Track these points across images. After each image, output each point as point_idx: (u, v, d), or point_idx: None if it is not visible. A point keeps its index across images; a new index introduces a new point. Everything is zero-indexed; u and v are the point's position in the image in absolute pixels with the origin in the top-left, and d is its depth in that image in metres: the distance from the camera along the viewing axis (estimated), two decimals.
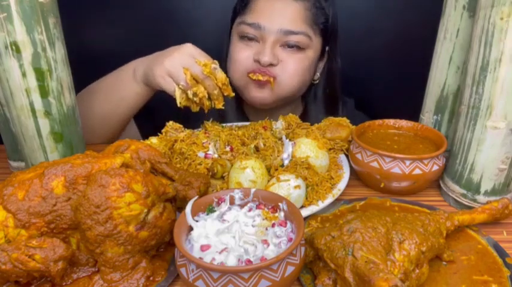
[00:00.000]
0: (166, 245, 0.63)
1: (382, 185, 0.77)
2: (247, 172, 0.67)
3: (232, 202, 0.59)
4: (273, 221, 0.55)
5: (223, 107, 0.81)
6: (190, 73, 0.76)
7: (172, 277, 0.58)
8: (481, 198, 0.71)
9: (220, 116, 1.07)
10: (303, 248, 0.52)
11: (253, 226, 0.54)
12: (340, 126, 0.87)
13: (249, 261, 0.49)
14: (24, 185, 0.54)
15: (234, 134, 0.81)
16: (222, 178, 0.73)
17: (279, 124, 0.87)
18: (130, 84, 0.89)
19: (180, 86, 0.77)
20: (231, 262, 0.49)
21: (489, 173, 0.69)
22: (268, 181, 0.69)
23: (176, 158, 0.75)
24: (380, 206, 0.73)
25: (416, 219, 0.59)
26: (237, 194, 0.59)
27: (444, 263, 0.59)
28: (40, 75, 0.64)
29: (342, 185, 0.75)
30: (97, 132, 0.94)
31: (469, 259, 0.60)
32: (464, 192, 0.72)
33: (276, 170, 0.71)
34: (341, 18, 1.07)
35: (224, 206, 0.58)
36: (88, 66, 1.01)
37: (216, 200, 0.59)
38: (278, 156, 0.75)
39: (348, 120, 0.90)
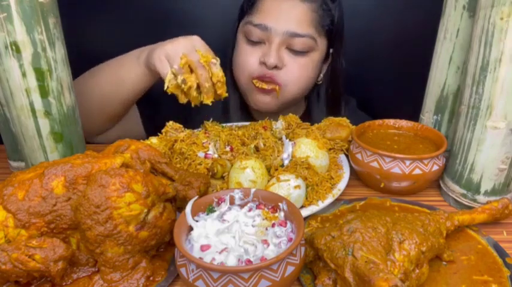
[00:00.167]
0: (166, 245, 0.63)
1: (382, 185, 0.77)
2: (247, 172, 0.67)
3: (232, 202, 0.59)
4: (273, 221, 0.55)
5: (210, 103, 0.78)
6: (187, 59, 0.75)
7: (172, 277, 0.58)
8: (481, 198, 0.71)
9: (224, 115, 1.08)
10: (303, 248, 0.52)
11: (253, 226, 0.54)
12: (340, 126, 0.87)
13: (249, 261, 0.49)
14: (24, 185, 0.54)
15: (234, 134, 0.81)
16: (222, 178, 0.73)
17: (279, 124, 0.87)
18: (133, 66, 0.88)
19: (173, 70, 0.75)
20: (231, 262, 0.49)
21: (489, 173, 0.69)
22: (268, 181, 0.69)
23: (176, 158, 0.75)
24: (380, 206, 0.73)
25: (416, 219, 0.59)
26: (237, 194, 0.59)
27: (444, 263, 0.59)
28: (40, 75, 0.64)
29: (342, 185, 0.75)
30: (95, 116, 0.93)
31: (469, 259, 0.60)
32: (464, 192, 0.72)
33: (276, 170, 0.71)
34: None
35: (224, 206, 0.58)
36: (88, 66, 1.01)
37: (216, 200, 0.59)
38: (278, 156, 0.75)
39: (347, 120, 0.90)
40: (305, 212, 0.68)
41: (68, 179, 0.54)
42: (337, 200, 0.73)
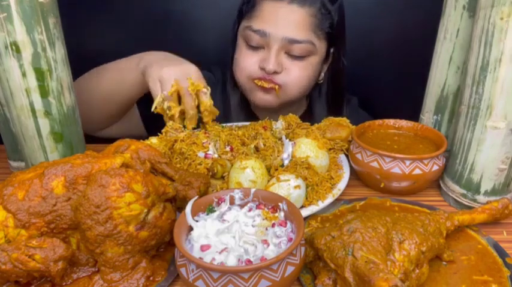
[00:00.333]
0: (166, 245, 0.63)
1: (382, 185, 0.77)
2: (247, 172, 0.67)
3: (232, 202, 0.59)
4: (273, 221, 0.55)
5: (190, 129, 0.82)
6: (177, 87, 0.78)
7: (172, 277, 0.58)
8: (481, 198, 0.71)
9: (224, 114, 1.08)
10: (303, 248, 0.52)
11: (253, 226, 0.54)
12: (340, 126, 0.87)
13: (249, 261, 0.49)
14: (24, 185, 0.54)
15: (234, 134, 0.81)
16: (222, 178, 0.73)
17: (279, 124, 0.87)
18: (133, 71, 0.90)
19: (162, 95, 0.80)
20: (231, 262, 0.49)
21: (489, 173, 0.69)
22: (268, 181, 0.69)
23: (176, 158, 0.75)
24: (380, 206, 0.73)
25: (416, 219, 0.59)
26: (237, 194, 0.59)
27: (444, 263, 0.59)
28: (40, 75, 0.64)
29: (342, 185, 0.75)
30: (95, 115, 0.97)
31: (469, 259, 0.60)
32: (464, 192, 0.72)
33: (276, 170, 0.71)
34: None
35: (224, 206, 0.58)
36: (88, 66, 1.01)
37: (216, 200, 0.59)
38: (278, 156, 0.75)
39: (347, 121, 0.90)
40: (305, 212, 0.67)
41: (68, 179, 0.54)
42: (337, 200, 0.73)
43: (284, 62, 0.97)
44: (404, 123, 0.86)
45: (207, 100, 0.80)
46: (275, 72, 0.96)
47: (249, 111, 1.12)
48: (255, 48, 0.98)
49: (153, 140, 0.79)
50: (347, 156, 0.84)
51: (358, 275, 0.49)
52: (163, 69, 0.80)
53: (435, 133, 0.81)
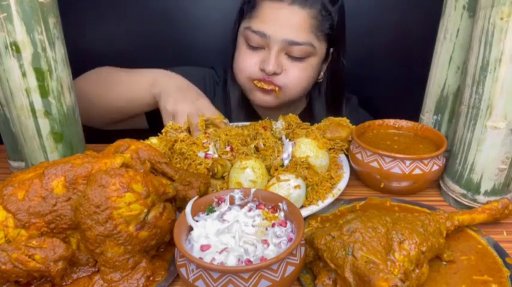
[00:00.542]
0: (166, 245, 0.63)
1: (382, 185, 0.77)
2: (247, 172, 0.67)
3: (232, 202, 0.59)
4: (273, 221, 0.55)
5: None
6: (188, 123, 0.83)
7: (172, 277, 0.58)
8: (481, 198, 0.71)
9: (226, 113, 1.08)
10: (303, 248, 0.52)
11: (253, 226, 0.54)
12: (340, 126, 0.87)
13: (249, 261, 0.49)
14: (24, 185, 0.54)
15: (240, 133, 0.81)
16: (222, 178, 0.72)
17: (279, 124, 0.87)
18: (146, 93, 0.95)
19: (172, 124, 0.84)
20: (231, 262, 0.49)
21: (489, 173, 0.69)
22: (268, 180, 0.69)
23: (176, 158, 0.75)
24: (380, 206, 0.73)
25: (416, 219, 0.59)
26: (237, 194, 0.59)
27: (444, 263, 0.59)
28: (40, 75, 0.64)
29: (342, 185, 0.75)
30: (96, 119, 1.02)
31: (469, 259, 0.60)
32: (464, 192, 0.72)
33: (276, 170, 0.71)
34: None
35: (224, 206, 0.58)
36: (88, 66, 1.01)
37: (216, 200, 0.59)
38: (278, 156, 0.75)
39: (347, 120, 0.90)
40: (305, 212, 0.67)
41: (68, 179, 0.54)
42: (337, 200, 0.73)
43: (284, 63, 0.97)
44: (404, 123, 0.86)
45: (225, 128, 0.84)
46: (275, 73, 0.96)
47: (250, 110, 1.12)
48: (255, 48, 0.98)
49: (153, 140, 0.79)
50: (347, 156, 0.84)
51: (358, 275, 0.49)
52: (178, 105, 0.86)
53: (435, 133, 0.81)
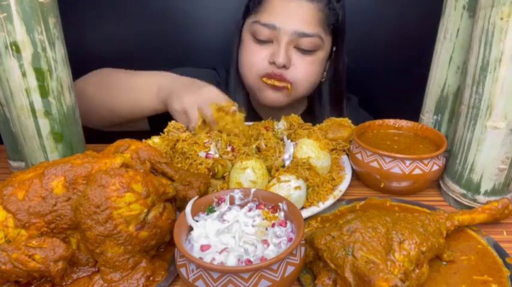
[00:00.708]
0: (166, 245, 0.63)
1: (382, 185, 0.77)
2: (248, 172, 0.67)
3: (232, 202, 0.59)
4: (273, 221, 0.55)
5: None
6: (202, 118, 0.81)
7: (172, 277, 0.58)
8: (481, 198, 0.71)
9: None
10: (303, 248, 0.52)
11: (253, 226, 0.54)
12: (341, 126, 0.87)
13: (249, 261, 0.49)
14: (24, 185, 0.54)
15: (248, 135, 0.82)
16: (223, 178, 0.72)
17: (281, 125, 0.87)
18: (152, 99, 0.92)
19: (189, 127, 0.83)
20: (231, 262, 0.49)
21: (489, 173, 0.69)
22: (269, 181, 0.69)
23: (178, 158, 0.75)
24: (380, 206, 0.73)
25: (416, 219, 0.59)
26: (237, 194, 0.59)
27: (444, 263, 0.59)
28: (40, 75, 0.64)
29: (343, 186, 0.75)
30: (95, 121, 1.00)
31: (469, 259, 0.60)
32: (464, 192, 0.72)
33: (277, 170, 0.71)
34: None
35: (224, 206, 0.58)
36: (88, 66, 1.01)
37: (216, 200, 0.59)
38: (279, 156, 0.75)
39: (349, 121, 0.90)
40: (305, 213, 0.67)
41: (68, 179, 0.54)
42: (337, 201, 0.73)
43: (293, 56, 0.97)
44: (404, 123, 0.86)
45: (238, 115, 0.82)
46: (284, 67, 0.96)
47: (252, 111, 1.12)
48: (263, 42, 0.97)
49: (155, 139, 0.79)
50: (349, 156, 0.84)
51: (358, 275, 0.49)
52: (184, 99, 0.83)
53: (435, 133, 0.81)
